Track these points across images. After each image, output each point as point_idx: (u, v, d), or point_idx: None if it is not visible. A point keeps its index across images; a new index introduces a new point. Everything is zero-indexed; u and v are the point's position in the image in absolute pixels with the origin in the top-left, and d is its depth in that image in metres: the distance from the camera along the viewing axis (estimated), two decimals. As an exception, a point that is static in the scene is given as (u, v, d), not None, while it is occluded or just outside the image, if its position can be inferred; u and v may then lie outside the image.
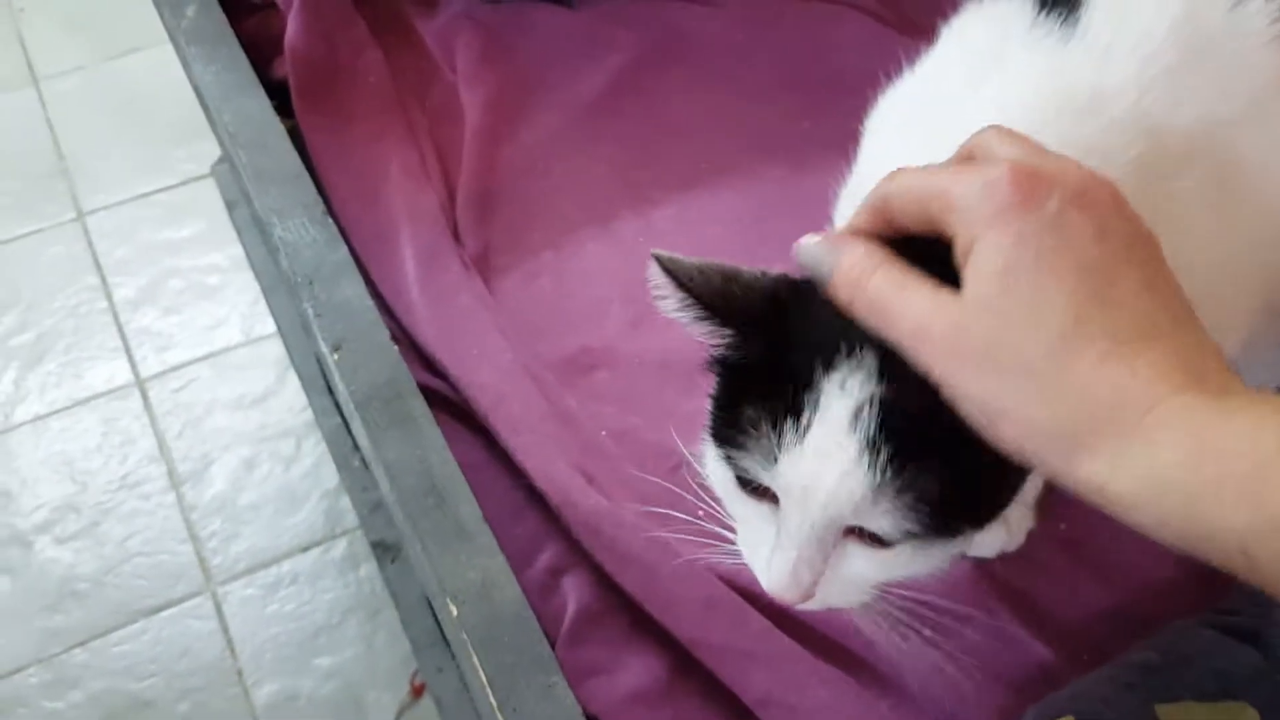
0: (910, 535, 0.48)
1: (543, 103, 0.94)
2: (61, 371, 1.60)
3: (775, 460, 0.47)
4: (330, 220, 0.77)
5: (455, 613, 0.62)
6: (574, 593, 0.70)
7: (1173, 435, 0.40)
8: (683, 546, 0.71)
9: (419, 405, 0.70)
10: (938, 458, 0.46)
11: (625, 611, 0.70)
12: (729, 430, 0.50)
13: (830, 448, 0.46)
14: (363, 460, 1.32)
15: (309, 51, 0.91)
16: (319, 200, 0.78)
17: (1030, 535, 0.73)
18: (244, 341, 1.68)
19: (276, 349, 1.64)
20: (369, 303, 0.74)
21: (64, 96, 1.95)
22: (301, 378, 1.41)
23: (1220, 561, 0.40)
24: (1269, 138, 0.57)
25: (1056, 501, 0.74)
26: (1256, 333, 0.62)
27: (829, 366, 0.47)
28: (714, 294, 0.48)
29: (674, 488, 0.69)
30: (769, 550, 0.51)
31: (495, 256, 0.87)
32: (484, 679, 0.60)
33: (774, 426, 0.47)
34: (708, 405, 0.53)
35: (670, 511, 0.65)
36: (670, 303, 0.49)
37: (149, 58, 1.99)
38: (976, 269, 0.43)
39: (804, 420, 0.47)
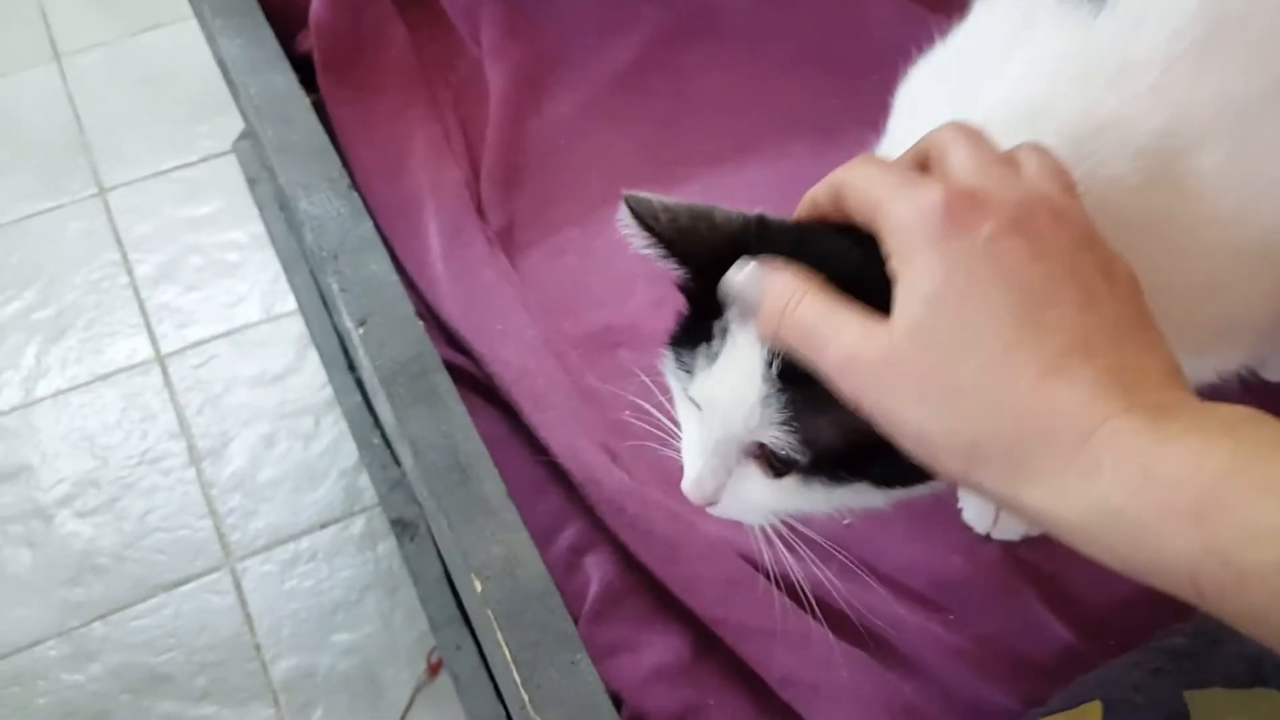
0: (798, 469, 0.51)
1: (567, 78, 0.93)
2: (82, 347, 1.61)
3: (694, 375, 0.52)
4: (355, 194, 0.77)
5: (480, 588, 0.62)
6: (597, 571, 0.70)
7: (1114, 461, 0.39)
8: (707, 524, 0.71)
9: (444, 381, 0.69)
10: (828, 411, 0.47)
11: (648, 590, 0.70)
12: (678, 345, 0.54)
13: (733, 371, 0.50)
14: (383, 437, 1.32)
15: (334, 24, 0.90)
16: (344, 174, 0.78)
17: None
18: (264, 319, 1.68)
19: (296, 326, 1.63)
20: (394, 277, 0.73)
21: (86, 72, 1.95)
22: (322, 355, 1.41)
23: (1172, 591, 0.39)
24: None
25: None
26: (1274, 328, 0.61)
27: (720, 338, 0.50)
28: (676, 233, 0.51)
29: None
30: (691, 455, 0.55)
31: (519, 232, 0.86)
32: (508, 655, 0.60)
33: (703, 345, 0.52)
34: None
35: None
36: (638, 240, 0.52)
37: (171, 34, 1.99)
38: (907, 295, 0.43)
39: (722, 344, 0.50)
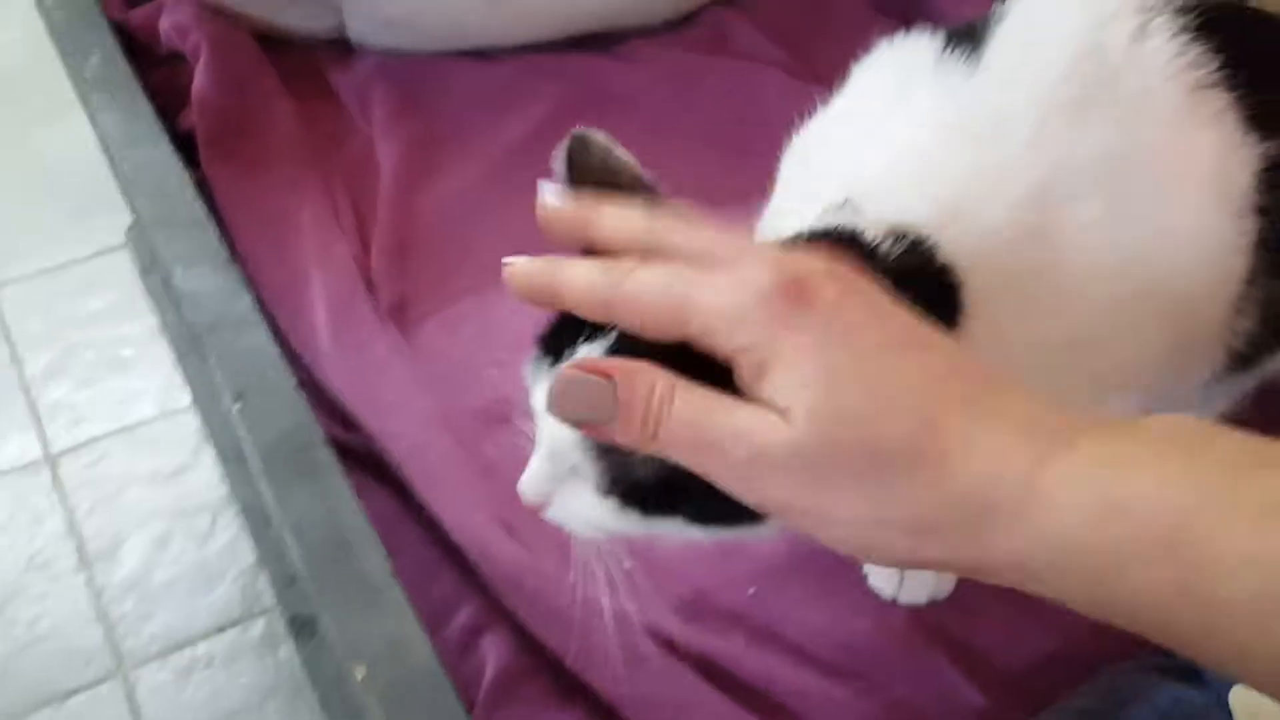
0: (617, 496, 0.49)
1: (461, 152, 0.92)
2: (-33, 449, 1.53)
3: (534, 385, 0.51)
4: (234, 268, 0.74)
5: (360, 675, 0.58)
6: (493, 652, 0.66)
7: (1070, 497, 0.37)
8: (606, 597, 0.68)
9: (325, 455, 0.66)
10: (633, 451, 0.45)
11: (547, 671, 0.66)
12: (539, 347, 0.52)
13: None
14: (279, 532, 1.26)
15: (219, 100, 0.88)
16: (223, 248, 0.75)
17: (963, 582, 0.71)
18: (158, 415, 1.63)
19: (192, 422, 1.59)
20: (274, 349, 0.70)
21: (-26, 169, 1.90)
22: (217, 447, 1.36)
23: (1144, 630, 0.37)
24: (1166, 174, 0.57)
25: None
26: (1163, 376, 0.61)
27: (594, 333, 0.47)
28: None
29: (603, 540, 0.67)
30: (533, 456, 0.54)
31: (413, 306, 0.84)
32: (394, 745, 0.56)
33: (545, 358, 0.50)
34: None
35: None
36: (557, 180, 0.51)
37: (65, 128, 1.93)
38: (789, 381, 0.38)
39: (560, 361, 0.49)
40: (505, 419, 0.78)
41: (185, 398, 1.63)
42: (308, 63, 0.99)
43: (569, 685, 0.66)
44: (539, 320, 0.83)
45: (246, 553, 1.44)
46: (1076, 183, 0.56)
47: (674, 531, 0.51)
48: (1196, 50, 0.57)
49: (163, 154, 0.80)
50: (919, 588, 0.70)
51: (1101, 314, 0.57)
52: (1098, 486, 0.37)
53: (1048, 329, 0.56)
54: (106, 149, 0.84)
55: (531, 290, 0.45)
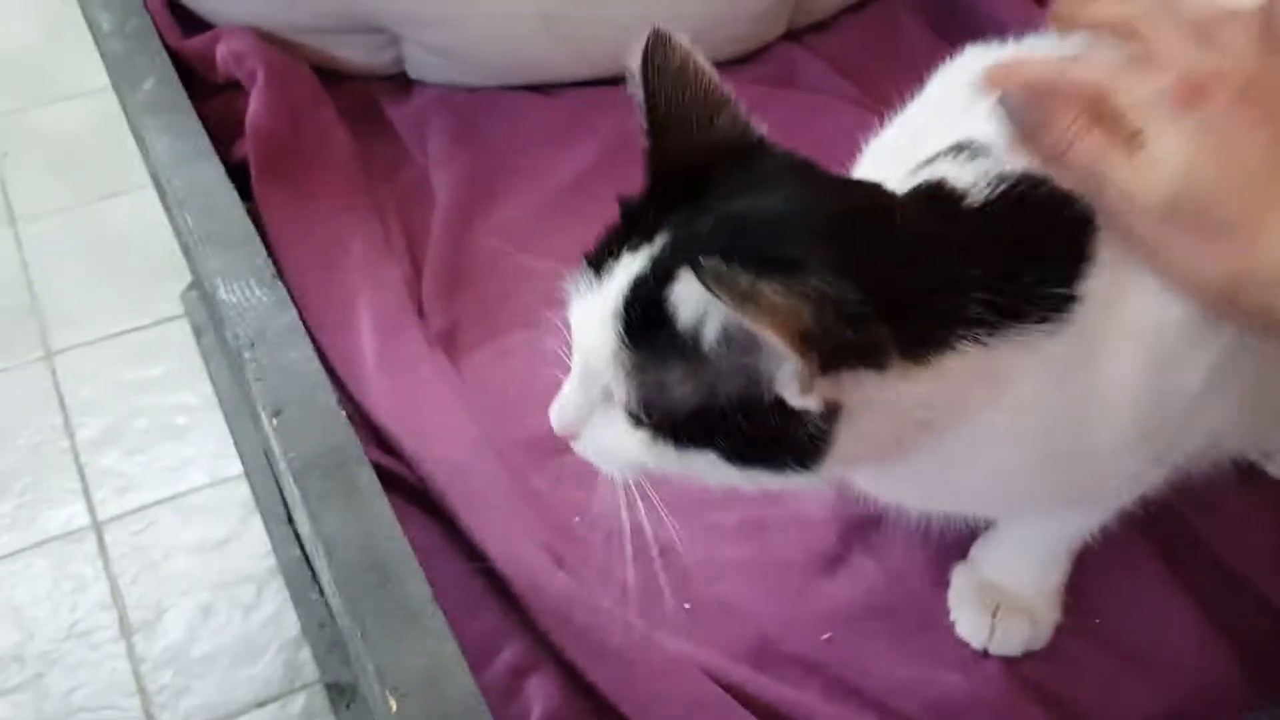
0: (648, 423, 0.48)
1: (517, 185, 0.89)
2: (15, 514, 1.52)
3: (575, 298, 0.51)
4: (280, 284, 0.71)
5: (395, 707, 0.52)
6: (539, 695, 0.60)
7: None
8: (666, 640, 0.62)
9: (366, 473, 0.61)
10: (672, 373, 0.46)
11: (598, 715, 0.60)
12: (586, 264, 0.51)
13: (601, 309, 0.48)
14: (321, 591, 1.22)
15: (273, 127, 0.86)
16: (269, 264, 0.72)
17: (1060, 630, 0.64)
18: (208, 483, 1.62)
19: (241, 492, 1.57)
20: (316, 365, 0.66)
21: (41, 237, 1.92)
22: (262, 508, 1.32)
23: None
24: None
25: (1089, 592, 0.65)
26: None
27: (640, 243, 0.48)
28: (671, 103, 0.50)
29: (660, 574, 0.62)
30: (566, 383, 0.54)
31: (462, 334, 0.80)
32: (427, 785, 0.50)
33: (587, 272, 0.50)
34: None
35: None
36: (633, 85, 0.51)
37: (128, 202, 1.97)
38: (1168, 148, 0.46)
39: (601, 276, 0.49)
40: (554, 451, 0.73)
41: (236, 467, 1.62)
42: (364, 96, 0.98)
43: (622, 733, 0.59)
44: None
45: (291, 625, 1.39)
46: None
47: (707, 469, 0.49)
48: None
49: (213, 173, 0.78)
50: (1014, 637, 0.63)
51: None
52: None
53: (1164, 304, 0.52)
54: (157, 172, 0.82)
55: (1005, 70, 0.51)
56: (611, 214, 0.52)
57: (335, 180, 0.87)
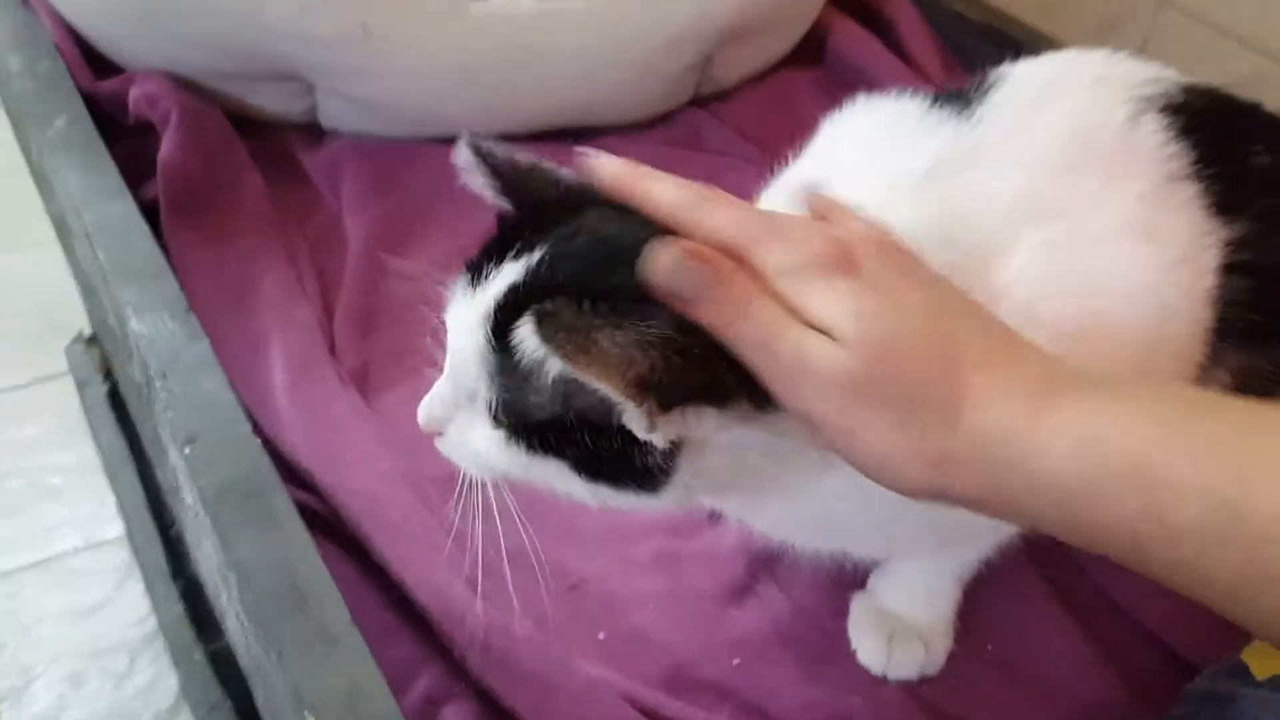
0: (506, 426, 0.50)
1: (431, 230, 0.90)
2: (-117, 581, 1.43)
3: (453, 303, 0.54)
4: (192, 316, 0.70)
5: (313, 728, 0.52)
6: (457, 722, 0.60)
7: (1060, 439, 0.42)
8: (582, 664, 0.63)
9: (281, 500, 0.61)
10: (528, 380, 0.48)
11: (516, 744, 0.60)
12: (467, 269, 0.53)
13: (476, 310, 0.50)
14: (204, 653, 1.18)
15: (185, 168, 0.86)
16: (181, 297, 0.71)
17: (955, 656, 0.68)
18: (82, 546, 1.55)
19: (116, 556, 1.52)
20: (230, 395, 0.66)
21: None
22: (143, 565, 1.28)
23: (1116, 553, 0.43)
24: (1137, 239, 0.57)
25: (982, 622, 0.69)
26: None
27: (520, 253, 0.49)
28: (515, 174, 0.53)
29: (575, 605, 0.64)
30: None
31: (375, 374, 0.80)
32: (345, 805, 0.50)
33: (467, 278, 0.52)
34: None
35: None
36: (477, 178, 0.54)
37: (5, 261, 1.92)
38: (845, 313, 0.43)
39: (477, 283, 0.51)
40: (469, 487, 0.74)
41: (111, 530, 1.57)
42: (276, 142, 0.98)
43: (539, 759, 0.60)
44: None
45: (165, 694, 1.34)
46: (1048, 223, 0.56)
47: (556, 478, 0.50)
48: (1177, 144, 0.59)
49: (125, 209, 0.77)
50: (909, 662, 0.66)
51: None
52: (1080, 428, 0.42)
53: None
54: (65, 209, 0.81)
55: (618, 185, 0.49)
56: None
57: (247, 222, 0.87)
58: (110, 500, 1.60)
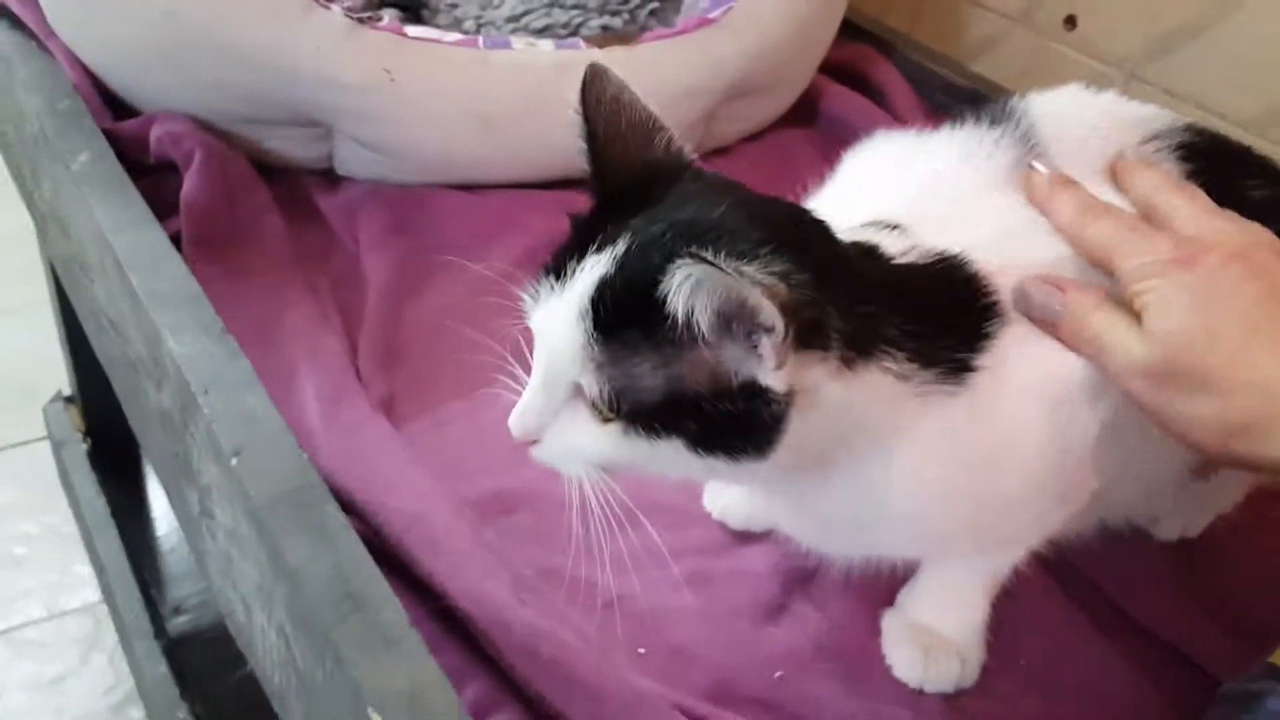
0: (619, 415, 0.52)
1: (451, 272, 0.91)
2: None
3: (536, 304, 0.55)
4: (230, 339, 0.71)
5: (378, 724, 0.52)
6: (504, 733, 0.60)
7: None
8: (636, 674, 0.63)
9: (332, 510, 0.61)
10: (644, 362, 0.50)
11: (565, 752, 0.60)
12: (542, 274, 0.55)
13: (566, 309, 0.52)
14: (190, 708, 1.15)
15: (208, 205, 0.87)
16: (218, 320, 0.72)
17: (990, 671, 0.68)
18: (45, 617, 1.53)
19: (81, 626, 1.51)
20: (274, 411, 0.66)
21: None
22: (121, 624, 1.25)
23: None
24: None
25: (1012, 638, 0.70)
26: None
27: (602, 246, 0.52)
28: (608, 128, 0.55)
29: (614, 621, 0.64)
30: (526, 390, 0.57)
31: (401, 404, 0.81)
32: (416, 799, 0.49)
33: (548, 278, 0.54)
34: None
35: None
36: (573, 113, 0.55)
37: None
38: (1159, 314, 0.53)
39: (563, 281, 0.53)
40: (504, 511, 0.74)
41: (76, 599, 1.55)
42: (294, 187, 1.00)
43: (590, 767, 0.59)
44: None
45: (128, 771, 1.31)
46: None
47: (671, 458, 0.52)
48: (1185, 176, 0.63)
49: (157, 237, 0.78)
50: (946, 674, 0.67)
51: None
52: None
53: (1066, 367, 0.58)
54: (92, 239, 0.82)
55: (1040, 190, 0.60)
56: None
57: (268, 259, 0.88)
58: (75, 570, 1.58)
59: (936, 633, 0.68)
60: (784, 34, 1.06)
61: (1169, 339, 0.52)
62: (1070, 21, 1.20)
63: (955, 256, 0.57)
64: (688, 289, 0.47)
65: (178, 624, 1.29)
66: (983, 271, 0.57)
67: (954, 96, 1.23)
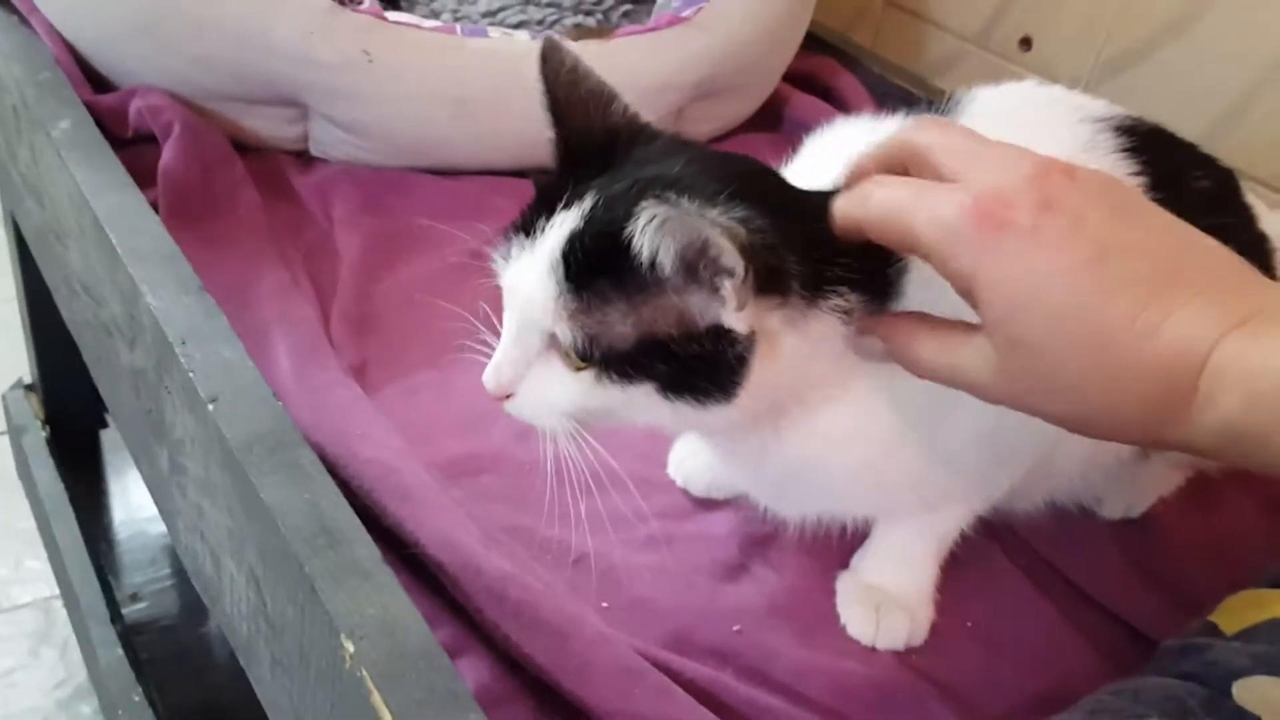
0: (592, 362, 0.54)
1: (420, 249, 0.93)
2: None
3: (507, 263, 0.56)
4: (207, 296, 0.72)
5: (351, 649, 0.53)
6: (470, 675, 0.62)
7: (1225, 389, 0.43)
8: (596, 616, 0.65)
9: (307, 455, 0.63)
10: (616, 308, 0.52)
11: (531, 693, 0.62)
12: (510, 233, 0.57)
13: (538, 262, 0.54)
14: (144, 694, 1.14)
15: (185, 176, 0.89)
16: (195, 277, 0.73)
17: (939, 631, 0.71)
18: None
19: (30, 621, 1.50)
20: (249, 363, 0.68)
21: None
22: (75, 609, 1.24)
23: None
24: None
25: (961, 601, 0.73)
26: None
27: (569, 203, 0.54)
28: (567, 98, 0.58)
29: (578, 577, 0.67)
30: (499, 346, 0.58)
31: (371, 372, 0.82)
32: (388, 718, 0.51)
33: (518, 235, 0.56)
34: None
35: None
36: (538, 85, 0.58)
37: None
38: (989, 310, 0.47)
39: (533, 237, 0.55)
40: (471, 472, 0.76)
41: (26, 594, 1.54)
42: (270, 164, 1.01)
43: (554, 707, 0.61)
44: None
45: (76, 761, 1.30)
46: None
47: (643, 404, 0.54)
48: (1128, 163, 0.65)
49: (136, 200, 0.79)
50: (896, 631, 0.70)
51: None
52: (1247, 383, 0.42)
53: None
54: (71, 204, 0.83)
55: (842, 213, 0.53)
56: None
57: (243, 229, 0.89)
58: (27, 564, 1.57)
59: (887, 592, 0.70)
60: (752, 35, 1.10)
61: (1009, 346, 0.47)
62: (1025, 43, 1.25)
63: None
64: (652, 230, 0.49)
65: (134, 610, 1.29)
66: None
67: (914, 107, 1.27)
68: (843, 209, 0.52)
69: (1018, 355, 0.46)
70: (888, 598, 0.70)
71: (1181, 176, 0.69)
